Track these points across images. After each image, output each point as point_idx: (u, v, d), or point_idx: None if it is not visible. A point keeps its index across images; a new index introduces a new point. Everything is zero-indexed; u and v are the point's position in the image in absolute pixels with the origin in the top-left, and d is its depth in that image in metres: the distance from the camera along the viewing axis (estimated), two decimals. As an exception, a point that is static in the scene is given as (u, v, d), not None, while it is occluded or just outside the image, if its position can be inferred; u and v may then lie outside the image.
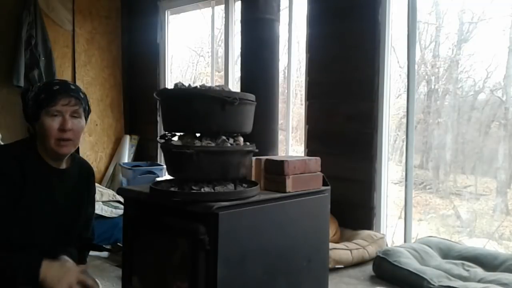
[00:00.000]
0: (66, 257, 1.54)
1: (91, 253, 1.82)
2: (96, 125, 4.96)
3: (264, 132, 1.91)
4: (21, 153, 1.52)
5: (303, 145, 3.75)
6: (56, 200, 1.56)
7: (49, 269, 1.39)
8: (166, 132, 1.64)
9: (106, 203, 3.59)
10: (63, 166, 1.61)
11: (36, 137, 1.56)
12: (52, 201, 1.55)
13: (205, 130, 1.57)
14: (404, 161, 3.25)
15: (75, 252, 1.64)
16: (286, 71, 3.93)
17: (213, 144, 1.54)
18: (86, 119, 1.59)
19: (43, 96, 1.49)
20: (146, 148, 5.14)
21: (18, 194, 1.45)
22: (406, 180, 3.13)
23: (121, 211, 3.46)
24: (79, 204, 1.66)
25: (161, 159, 4.88)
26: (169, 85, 4.90)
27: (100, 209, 3.46)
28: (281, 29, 2.00)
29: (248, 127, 1.65)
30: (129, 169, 4.44)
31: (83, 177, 1.69)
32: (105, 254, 3.13)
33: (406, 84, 3.15)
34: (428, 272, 2.43)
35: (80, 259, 1.66)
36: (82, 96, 1.55)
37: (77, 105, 1.52)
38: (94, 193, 1.78)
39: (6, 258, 1.39)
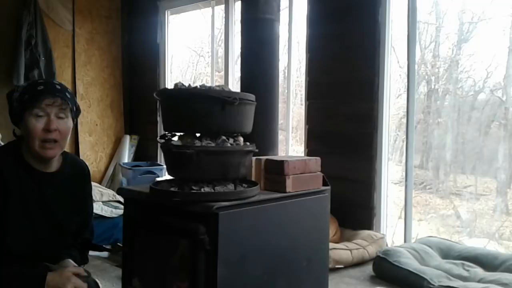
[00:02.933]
0: (67, 261, 1.53)
1: (91, 253, 1.81)
2: (96, 125, 4.96)
3: (264, 132, 1.91)
4: (2, 159, 1.47)
5: (303, 145, 3.75)
6: (48, 205, 1.52)
7: (51, 281, 1.39)
8: (166, 132, 1.64)
9: (106, 203, 3.59)
10: (52, 169, 1.54)
11: (21, 141, 1.50)
12: (44, 206, 1.51)
13: (205, 130, 1.57)
14: (404, 161, 3.25)
15: (76, 253, 1.63)
16: (286, 71, 3.93)
17: (213, 144, 1.54)
18: (74, 119, 1.54)
19: (27, 97, 1.44)
20: (146, 148, 5.14)
21: (2, 202, 1.42)
22: (406, 180, 3.13)
23: (121, 211, 3.46)
24: (75, 205, 1.62)
25: (161, 159, 4.88)
26: (169, 85, 4.90)
27: (100, 209, 3.46)
28: (281, 29, 2.00)
29: (248, 127, 1.65)
30: (129, 169, 4.44)
31: (76, 177, 1.64)
32: (105, 254, 3.13)
33: (406, 84, 3.15)
34: (428, 272, 2.43)
35: (81, 259, 1.66)
36: (69, 96, 1.49)
37: (63, 105, 1.47)
38: (90, 190, 1.73)
39: (8, 276, 1.38)
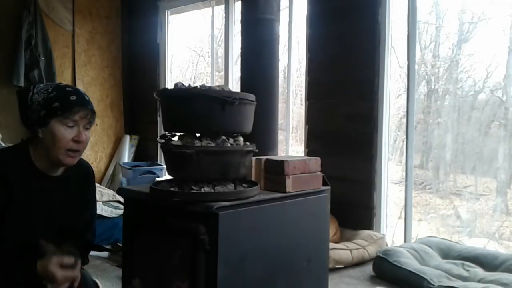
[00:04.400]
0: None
1: (91, 253, 1.81)
2: (96, 125, 4.96)
3: (264, 132, 1.91)
4: (9, 163, 1.47)
5: (303, 145, 3.75)
6: (54, 208, 1.53)
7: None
8: (166, 132, 1.64)
9: (106, 203, 3.59)
10: (58, 172, 1.55)
11: (28, 143, 1.50)
12: (49, 209, 1.51)
13: (205, 130, 1.57)
14: (404, 161, 3.25)
15: (77, 254, 1.63)
16: (286, 71, 3.93)
17: (213, 144, 1.54)
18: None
19: (57, 105, 1.44)
20: (146, 148, 5.14)
21: (5, 204, 1.42)
22: (406, 180, 3.13)
23: (121, 211, 3.46)
24: (79, 208, 1.63)
25: (161, 159, 4.88)
26: (169, 85, 4.90)
27: (100, 209, 3.46)
28: (281, 29, 2.00)
29: (248, 127, 1.65)
30: (129, 169, 4.44)
31: (81, 179, 1.65)
32: (105, 254, 3.12)
33: (406, 84, 3.15)
34: (428, 272, 2.43)
35: (81, 260, 1.65)
36: (94, 108, 1.53)
37: (92, 117, 1.51)
38: (94, 192, 1.75)
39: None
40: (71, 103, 1.45)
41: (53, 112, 1.44)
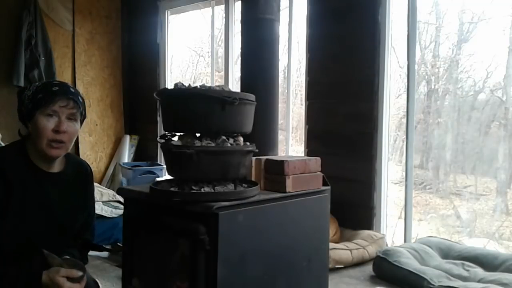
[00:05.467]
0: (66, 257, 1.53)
1: (91, 253, 1.81)
2: (96, 125, 4.96)
3: (264, 132, 1.91)
4: (7, 159, 1.48)
5: (303, 145, 3.75)
6: (51, 205, 1.53)
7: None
8: (166, 132, 1.64)
9: (106, 203, 3.59)
10: (56, 169, 1.56)
11: (27, 140, 1.52)
12: (46, 206, 1.51)
13: (205, 130, 1.57)
14: (404, 161, 3.25)
15: (76, 253, 1.63)
16: (286, 71, 3.93)
17: (213, 144, 1.54)
18: (81, 124, 1.57)
19: (40, 96, 1.46)
20: (146, 148, 5.14)
21: (4, 199, 1.42)
22: (406, 180, 3.13)
23: (121, 211, 3.46)
24: (77, 206, 1.63)
25: (161, 159, 4.88)
26: (169, 85, 4.90)
27: (100, 209, 3.46)
28: (281, 29, 2.00)
29: (248, 127, 1.65)
30: (129, 169, 4.44)
31: (79, 178, 1.66)
32: (105, 254, 3.13)
33: (406, 84, 3.15)
34: (428, 272, 2.43)
35: (81, 260, 1.65)
36: (81, 100, 1.53)
37: (75, 108, 1.50)
38: (93, 191, 1.74)
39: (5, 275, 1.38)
40: (52, 93, 1.47)
41: (38, 103, 1.46)
